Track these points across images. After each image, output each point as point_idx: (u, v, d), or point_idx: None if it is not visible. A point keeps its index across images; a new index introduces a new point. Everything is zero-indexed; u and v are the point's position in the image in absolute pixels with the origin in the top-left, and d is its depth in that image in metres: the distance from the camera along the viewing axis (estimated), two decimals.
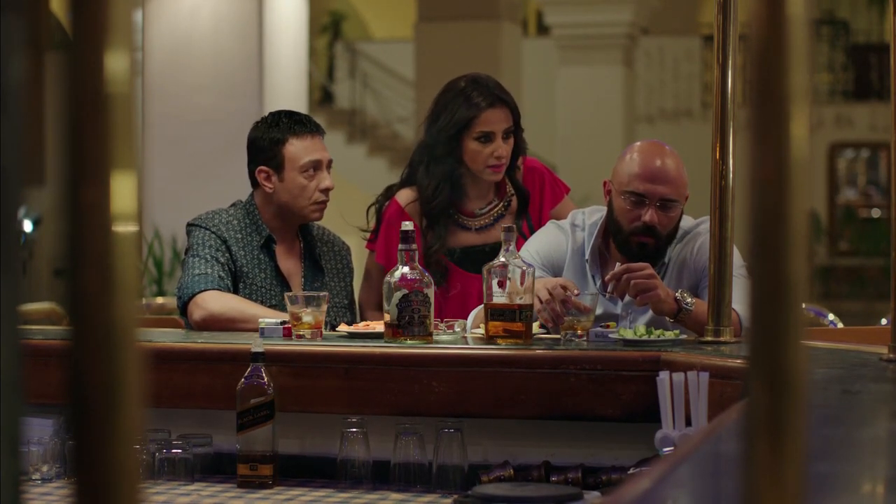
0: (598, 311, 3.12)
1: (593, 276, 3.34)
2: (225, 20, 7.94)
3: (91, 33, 0.78)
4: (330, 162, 3.62)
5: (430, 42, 11.46)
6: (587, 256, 3.35)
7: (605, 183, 3.37)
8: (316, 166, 3.57)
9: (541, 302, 3.00)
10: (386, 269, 3.63)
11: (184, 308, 3.48)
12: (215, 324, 3.40)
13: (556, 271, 3.37)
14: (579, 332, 2.93)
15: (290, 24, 8.32)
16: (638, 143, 3.37)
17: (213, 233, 3.55)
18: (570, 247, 3.39)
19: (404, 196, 3.70)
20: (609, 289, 3.18)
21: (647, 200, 3.23)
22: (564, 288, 3.00)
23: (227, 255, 3.53)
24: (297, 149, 3.56)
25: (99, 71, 0.78)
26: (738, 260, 3.07)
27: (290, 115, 3.64)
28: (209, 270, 3.48)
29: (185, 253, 3.60)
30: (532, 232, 3.64)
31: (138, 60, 6.38)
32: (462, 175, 3.65)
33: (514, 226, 3.17)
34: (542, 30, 17.50)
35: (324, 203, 3.60)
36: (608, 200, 3.35)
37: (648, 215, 3.23)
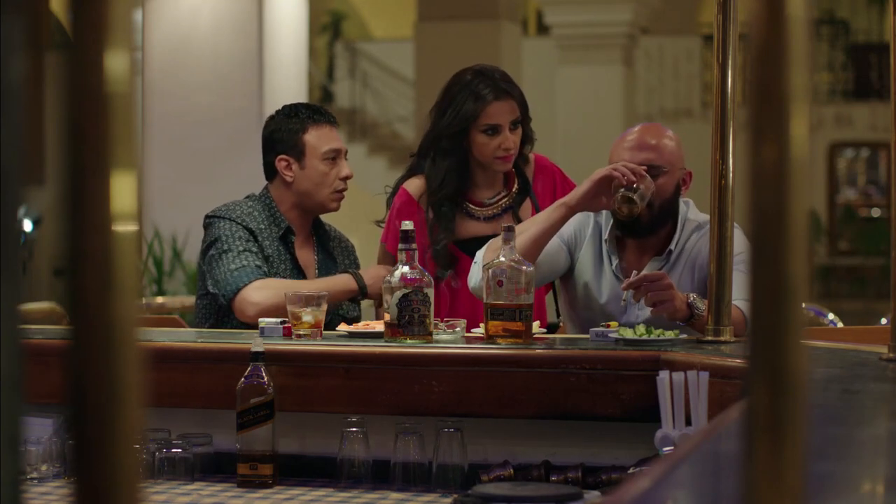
0: (612, 293, 3.24)
1: (610, 258, 3.37)
2: (225, 20, 7.93)
3: (91, 33, 0.78)
4: (346, 152, 3.72)
5: (429, 42, 11.44)
6: (605, 236, 3.38)
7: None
8: (336, 155, 3.66)
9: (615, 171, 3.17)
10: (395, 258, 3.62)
11: (229, 306, 3.47)
12: (270, 314, 3.32)
13: (571, 251, 3.42)
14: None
15: (290, 23, 8.32)
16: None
17: (238, 223, 3.55)
18: (592, 227, 3.43)
19: (413, 185, 3.69)
20: (624, 296, 3.19)
21: None
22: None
23: (256, 244, 3.54)
24: (318, 137, 3.65)
25: (99, 71, 0.78)
26: (745, 254, 3.07)
27: (308, 106, 3.76)
28: (245, 262, 3.48)
29: (209, 247, 3.56)
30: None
31: (138, 60, 6.38)
32: (470, 166, 3.66)
33: (514, 225, 3.16)
34: (542, 29, 17.49)
35: (342, 192, 3.67)
36: None
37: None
